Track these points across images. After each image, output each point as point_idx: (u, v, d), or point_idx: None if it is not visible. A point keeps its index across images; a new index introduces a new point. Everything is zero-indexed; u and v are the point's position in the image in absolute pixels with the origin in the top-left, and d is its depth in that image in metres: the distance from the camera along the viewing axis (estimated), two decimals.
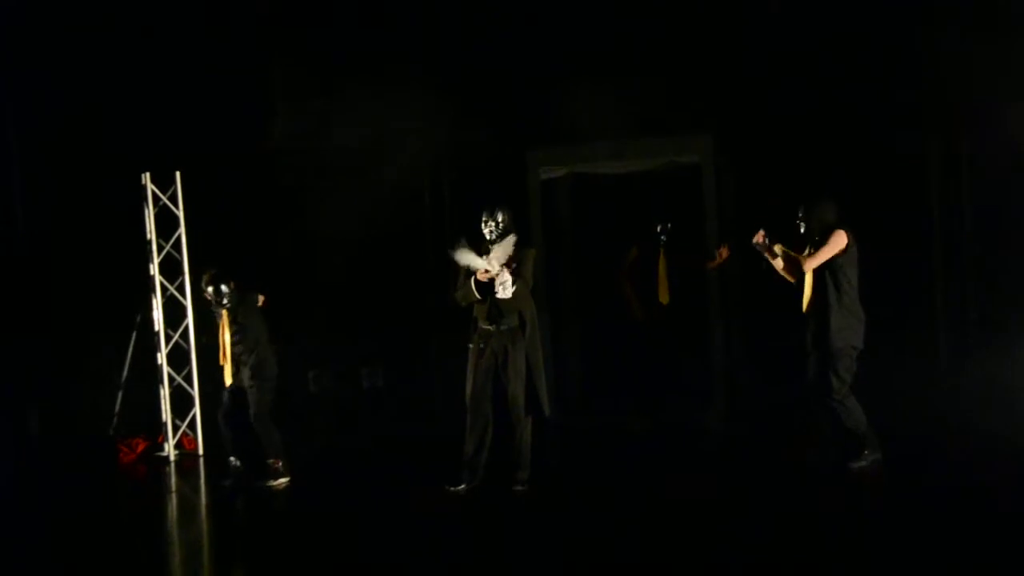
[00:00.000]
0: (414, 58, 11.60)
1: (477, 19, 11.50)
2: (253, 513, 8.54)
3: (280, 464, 8.90)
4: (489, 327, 8.10)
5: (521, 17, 11.34)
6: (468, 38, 11.58)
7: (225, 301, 8.90)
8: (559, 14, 11.22)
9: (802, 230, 8.20)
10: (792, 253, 8.23)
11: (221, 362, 9.00)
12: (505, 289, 8.01)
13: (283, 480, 8.89)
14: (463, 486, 8.15)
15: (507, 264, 7.98)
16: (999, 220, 10.77)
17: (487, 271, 7.94)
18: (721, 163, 11.50)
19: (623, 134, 11.41)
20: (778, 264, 8.33)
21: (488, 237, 8.07)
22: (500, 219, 8.04)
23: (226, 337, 8.93)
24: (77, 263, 11.43)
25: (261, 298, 9.15)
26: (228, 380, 8.98)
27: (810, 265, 8.07)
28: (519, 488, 8.11)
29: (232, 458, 9.24)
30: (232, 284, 8.95)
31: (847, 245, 8.03)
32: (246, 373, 8.93)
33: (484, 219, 8.08)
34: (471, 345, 8.18)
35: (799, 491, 7.89)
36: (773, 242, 8.30)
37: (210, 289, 8.95)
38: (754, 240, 8.31)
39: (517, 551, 7.04)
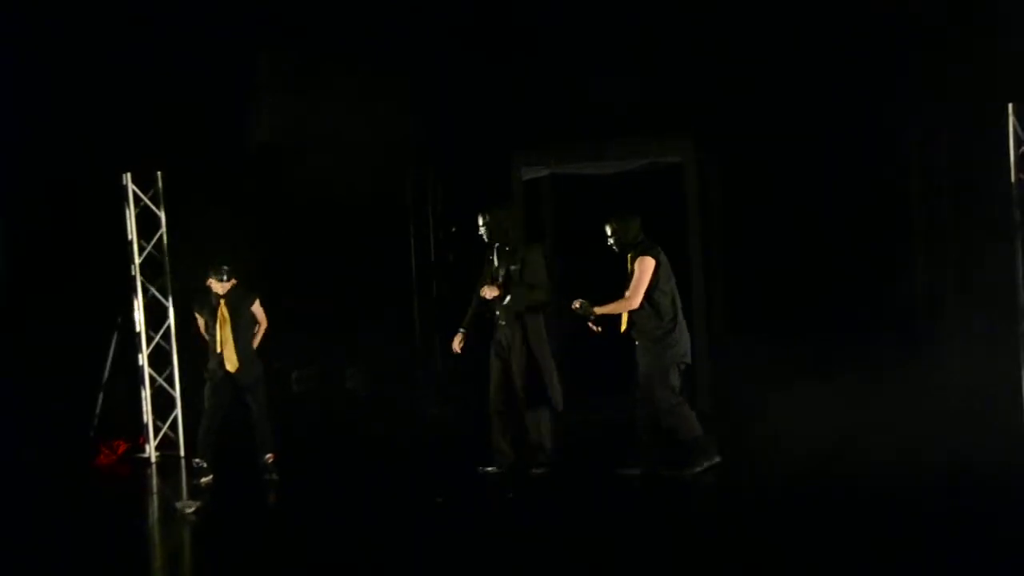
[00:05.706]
0: (398, 57, 11.58)
1: (461, 19, 11.49)
2: (236, 514, 8.51)
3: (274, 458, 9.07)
4: (500, 321, 8.59)
5: (503, 18, 11.34)
6: (452, 38, 11.57)
7: (225, 278, 8.97)
8: (541, 15, 11.23)
9: (612, 246, 8.40)
10: (609, 308, 8.27)
11: (219, 349, 8.98)
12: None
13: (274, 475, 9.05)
14: (493, 468, 8.62)
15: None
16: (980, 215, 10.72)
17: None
18: (703, 163, 11.49)
19: (604, 134, 11.40)
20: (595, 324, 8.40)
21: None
22: (484, 221, 8.64)
23: (227, 328, 8.97)
24: (58, 264, 11.39)
25: (257, 301, 9.23)
26: (231, 365, 8.98)
27: (631, 303, 8.20)
28: (537, 472, 8.49)
29: (196, 459, 9.21)
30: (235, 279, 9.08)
31: (656, 267, 8.22)
32: (249, 369, 9.02)
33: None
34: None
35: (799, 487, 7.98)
36: (590, 306, 8.30)
37: (215, 273, 8.99)
38: (573, 307, 8.34)
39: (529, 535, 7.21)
